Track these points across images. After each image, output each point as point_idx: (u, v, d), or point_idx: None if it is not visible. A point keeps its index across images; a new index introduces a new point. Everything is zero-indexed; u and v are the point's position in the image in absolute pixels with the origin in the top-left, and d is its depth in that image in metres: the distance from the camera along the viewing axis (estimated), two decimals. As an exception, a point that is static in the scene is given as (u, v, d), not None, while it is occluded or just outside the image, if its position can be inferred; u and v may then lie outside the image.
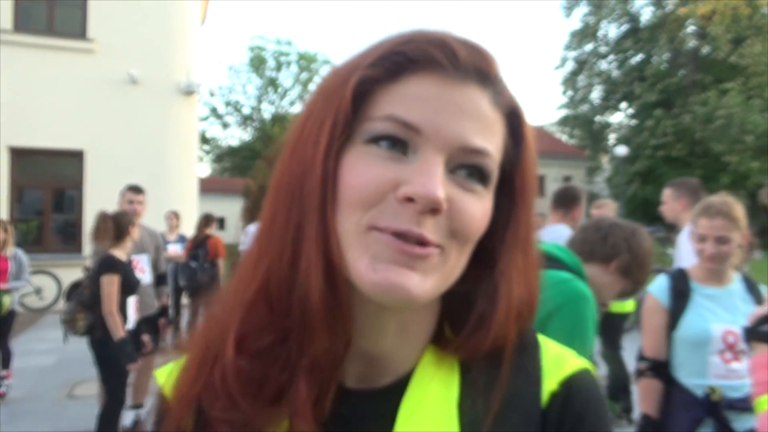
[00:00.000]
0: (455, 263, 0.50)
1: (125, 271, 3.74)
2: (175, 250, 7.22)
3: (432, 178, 0.46)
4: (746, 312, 2.11)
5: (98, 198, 10.34)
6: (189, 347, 0.57)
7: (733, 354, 2.08)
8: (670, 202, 3.77)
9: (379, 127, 0.48)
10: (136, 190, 4.67)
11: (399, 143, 0.48)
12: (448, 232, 0.48)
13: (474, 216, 0.49)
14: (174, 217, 7.66)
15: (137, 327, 3.98)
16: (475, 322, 0.54)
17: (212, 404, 0.51)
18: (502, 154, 0.52)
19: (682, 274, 2.24)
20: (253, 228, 4.98)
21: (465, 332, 0.54)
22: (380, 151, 0.48)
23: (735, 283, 2.19)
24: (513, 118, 0.53)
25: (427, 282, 0.47)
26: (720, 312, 2.13)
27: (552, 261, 1.63)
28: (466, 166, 0.49)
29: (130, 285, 3.77)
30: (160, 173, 10.46)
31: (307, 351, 0.50)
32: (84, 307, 3.70)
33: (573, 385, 0.53)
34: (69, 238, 10.50)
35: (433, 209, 0.46)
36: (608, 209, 4.81)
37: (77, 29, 10.37)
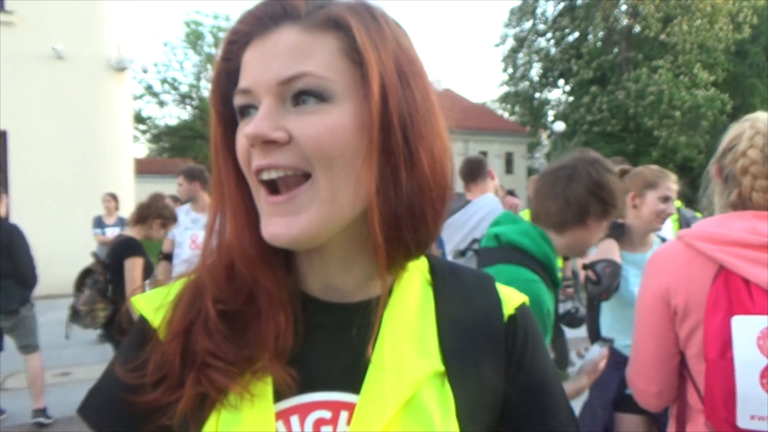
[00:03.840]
0: (331, 183, 0.55)
1: (145, 254, 3.57)
2: (114, 233, 6.96)
3: (255, 120, 0.55)
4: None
5: (24, 180, 9.81)
6: (180, 289, 0.65)
7: (658, 315, 2.21)
8: None
9: (235, 102, 0.59)
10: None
11: (256, 108, 0.57)
12: (303, 156, 0.55)
13: (318, 134, 0.55)
14: (111, 199, 7.37)
15: None
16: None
17: (197, 340, 0.59)
18: (345, 63, 0.57)
19: None
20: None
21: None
22: (246, 121, 0.58)
23: (655, 246, 2.34)
24: (342, 26, 0.57)
25: (301, 220, 0.55)
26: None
27: (516, 251, 1.52)
28: (297, 94, 0.55)
29: (149, 269, 3.61)
30: (91, 154, 10.01)
31: (263, 302, 0.60)
32: (102, 296, 3.45)
33: (523, 310, 0.70)
34: (-6, 224, 9.92)
35: (267, 142, 0.55)
36: None
37: (-6, 0, 9.67)
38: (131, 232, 3.61)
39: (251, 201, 0.60)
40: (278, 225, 0.55)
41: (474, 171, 3.78)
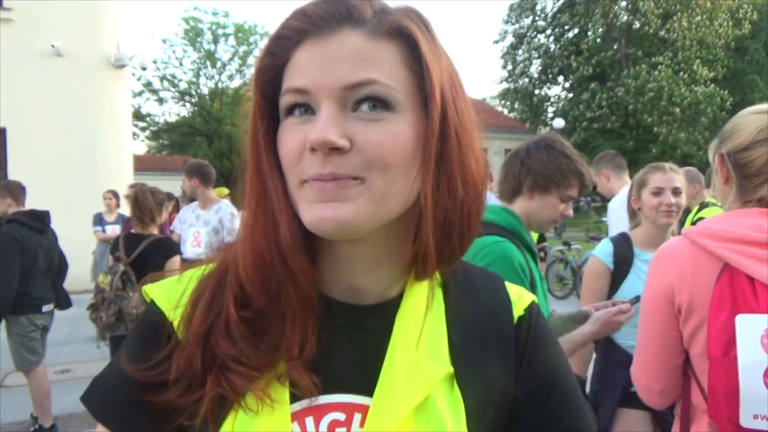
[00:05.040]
0: (386, 188, 0.55)
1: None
2: (114, 231, 6.94)
3: (321, 126, 0.53)
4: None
5: (23, 177, 9.75)
6: (198, 284, 0.64)
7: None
8: (596, 179, 3.93)
9: (286, 100, 0.57)
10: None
11: (307, 108, 0.56)
12: (363, 163, 0.54)
13: (381, 142, 0.55)
14: (113, 196, 7.34)
15: None
16: (415, 242, 0.60)
17: (219, 343, 0.59)
18: (406, 73, 0.57)
19: (626, 239, 2.34)
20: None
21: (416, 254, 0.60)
22: (294, 120, 0.57)
23: None
24: (405, 36, 0.57)
25: (351, 206, 0.54)
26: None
27: (484, 226, 1.70)
28: (361, 100, 0.55)
29: None
30: (90, 151, 9.98)
31: (290, 301, 0.59)
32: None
33: (532, 310, 0.70)
34: (-6, 222, 9.91)
35: (331, 149, 0.53)
36: None
37: (-8, -4, 9.62)
38: (153, 229, 3.59)
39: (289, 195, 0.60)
40: (326, 209, 0.54)
41: None
